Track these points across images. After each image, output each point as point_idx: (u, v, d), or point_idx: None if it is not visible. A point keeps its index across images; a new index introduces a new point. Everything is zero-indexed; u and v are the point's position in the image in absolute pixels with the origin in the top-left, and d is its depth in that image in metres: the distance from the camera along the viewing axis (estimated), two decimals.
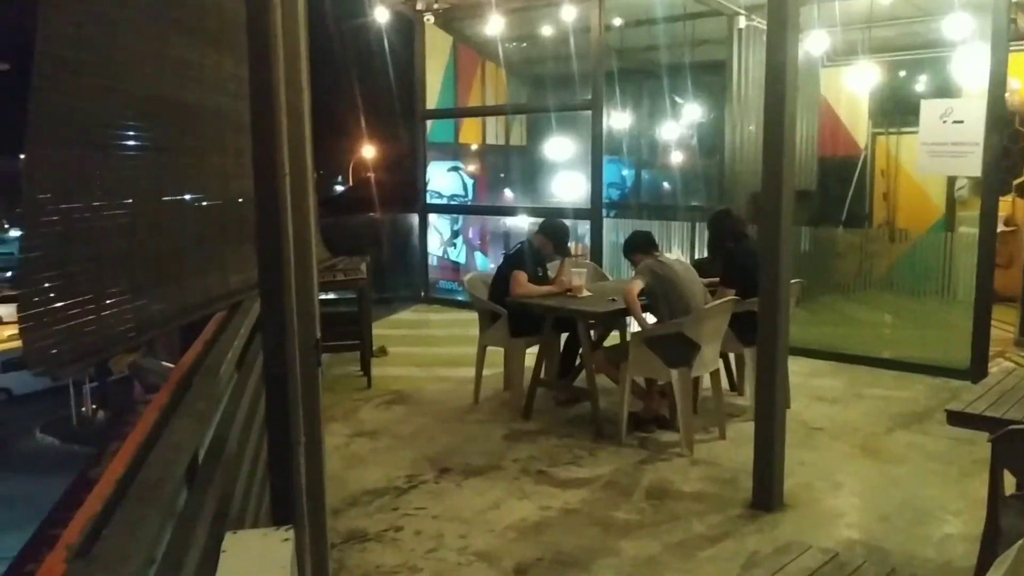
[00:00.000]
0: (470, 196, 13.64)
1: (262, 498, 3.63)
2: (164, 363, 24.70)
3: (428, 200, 11.35)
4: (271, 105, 2.37)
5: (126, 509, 1.70)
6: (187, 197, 3.44)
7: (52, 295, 2.51)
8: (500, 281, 6.57)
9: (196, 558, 2.20)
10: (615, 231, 9.56)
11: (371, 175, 26.07)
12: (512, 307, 6.34)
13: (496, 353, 6.82)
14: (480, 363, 6.70)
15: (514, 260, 6.57)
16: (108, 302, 2.92)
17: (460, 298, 10.82)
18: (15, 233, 59.46)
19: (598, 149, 9.22)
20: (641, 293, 5.74)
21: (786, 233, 4.48)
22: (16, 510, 18.83)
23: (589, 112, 9.23)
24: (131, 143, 2.74)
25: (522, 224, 10.60)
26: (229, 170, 3.93)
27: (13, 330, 38.14)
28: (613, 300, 6.06)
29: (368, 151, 26.74)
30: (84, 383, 24.55)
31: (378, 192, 21.78)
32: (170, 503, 1.82)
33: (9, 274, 50.85)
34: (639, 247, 6.05)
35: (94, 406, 24.93)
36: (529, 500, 4.87)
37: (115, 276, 2.89)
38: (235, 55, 3.89)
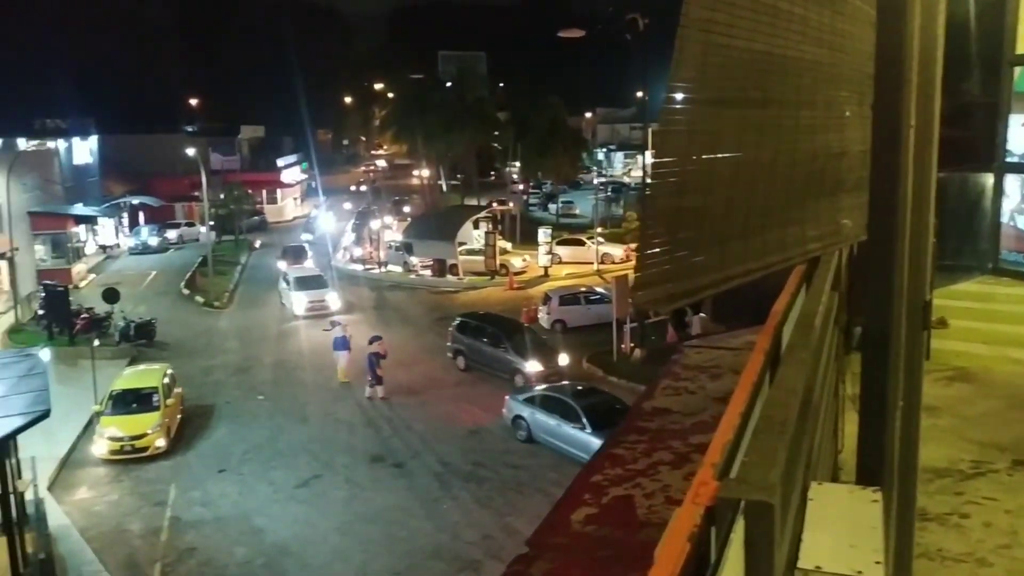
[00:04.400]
0: None
1: (823, 454, 3.62)
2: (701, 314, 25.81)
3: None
4: (899, 55, 2.27)
5: (758, 440, 1.78)
6: (779, 151, 3.51)
7: (658, 243, 2.75)
8: None
9: (797, 500, 2.27)
10: None
11: None
12: None
13: None
14: None
15: None
16: (699, 252, 3.12)
17: None
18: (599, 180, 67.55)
19: None
20: None
21: None
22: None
23: None
24: (743, 98, 2.86)
25: None
26: (817, 123, 3.91)
27: (570, 269, 43.28)
28: None
29: None
30: (626, 323, 26.92)
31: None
32: (796, 441, 1.88)
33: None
34: None
35: (632, 344, 27.22)
36: None
37: (710, 228, 3.07)
38: (833, 7, 3.84)
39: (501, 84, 77.69)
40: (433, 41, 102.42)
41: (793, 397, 2.07)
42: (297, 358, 29.63)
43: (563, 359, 25.61)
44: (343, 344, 26.68)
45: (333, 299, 35.63)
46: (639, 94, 56.45)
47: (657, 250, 2.57)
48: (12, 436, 12.85)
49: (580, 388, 22.25)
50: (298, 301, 35.10)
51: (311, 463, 20.29)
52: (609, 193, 62.72)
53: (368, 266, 47.00)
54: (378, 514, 17.66)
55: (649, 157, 35.69)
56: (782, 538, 1.84)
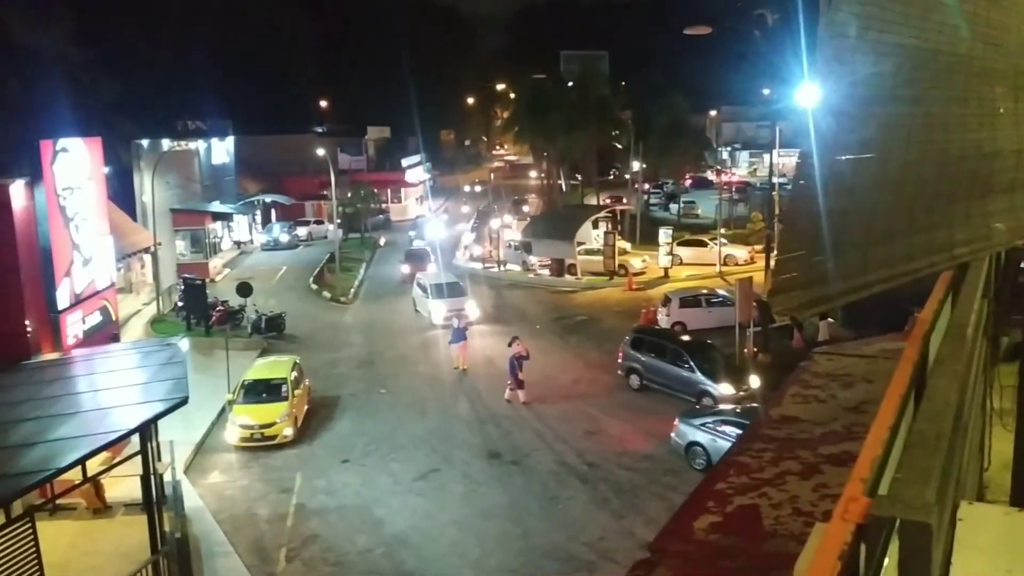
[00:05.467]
0: None
1: (970, 471, 3.42)
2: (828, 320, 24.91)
3: None
4: None
5: (910, 456, 1.70)
6: (927, 151, 3.33)
7: (798, 247, 2.65)
8: None
9: (947, 520, 2.14)
10: None
11: None
12: None
13: None
14: None
15: None
16: (840, 256, 2.99)
17: None
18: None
19: None
20: None
21: None
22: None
23: None
24: (891, 96, 2.72)
25: None
26: (968, 121, 3.68)
27: (691, 270, 42.62)
28: None
29: None
30: (749, 327, 26.25)
31: None
32: (948, 458, 1.78)
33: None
34: None
35: (755, 349, 26.54)
36: None
37: (852, 232, 2.94)
38: None
39: (623, 83, 77.25)
40: (556, 41, 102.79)
41: (947, 411, 1.96)
42: (418, 353, 30.27)
43: (755, 380, 23.15)
44: (460, 336, 27.70)
45: (472, 308, 34.01)
46: (766, 91, 54.98)
47: (796, 254, 2.48)
48: (154, 420, 13.62)
49: None
50: (436, 310, 33.49)
51: (430, 457, 20.69)
52: (733, 193, 61.48)
53: (487, 265, 47.57)
54: (494, 510, 17.84)
55: (776, 156, 34.75)
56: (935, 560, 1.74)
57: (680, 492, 17.79)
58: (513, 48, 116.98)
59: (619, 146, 64.70)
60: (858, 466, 1.71)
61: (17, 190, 17.02)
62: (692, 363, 24.07)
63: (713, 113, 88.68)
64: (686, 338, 26.52)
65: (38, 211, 17.66)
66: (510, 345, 24.76)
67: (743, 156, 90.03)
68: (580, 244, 44.36)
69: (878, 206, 2.65)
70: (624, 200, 57.46)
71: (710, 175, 66.14)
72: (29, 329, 17.15)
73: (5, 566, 10.87)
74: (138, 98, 44.62)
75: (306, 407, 23.50)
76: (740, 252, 44.48)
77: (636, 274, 41.89)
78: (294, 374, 23.30)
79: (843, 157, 2.41)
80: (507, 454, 20.76)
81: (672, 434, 20.16)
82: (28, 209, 17.35)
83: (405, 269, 42.96)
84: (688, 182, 72.44)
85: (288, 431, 21.56)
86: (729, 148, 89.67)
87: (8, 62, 30.60)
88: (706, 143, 66.97)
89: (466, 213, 66.43)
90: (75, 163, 19.41)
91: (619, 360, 26.07)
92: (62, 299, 18.30)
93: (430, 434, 22.24)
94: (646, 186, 61.57)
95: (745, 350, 26.43)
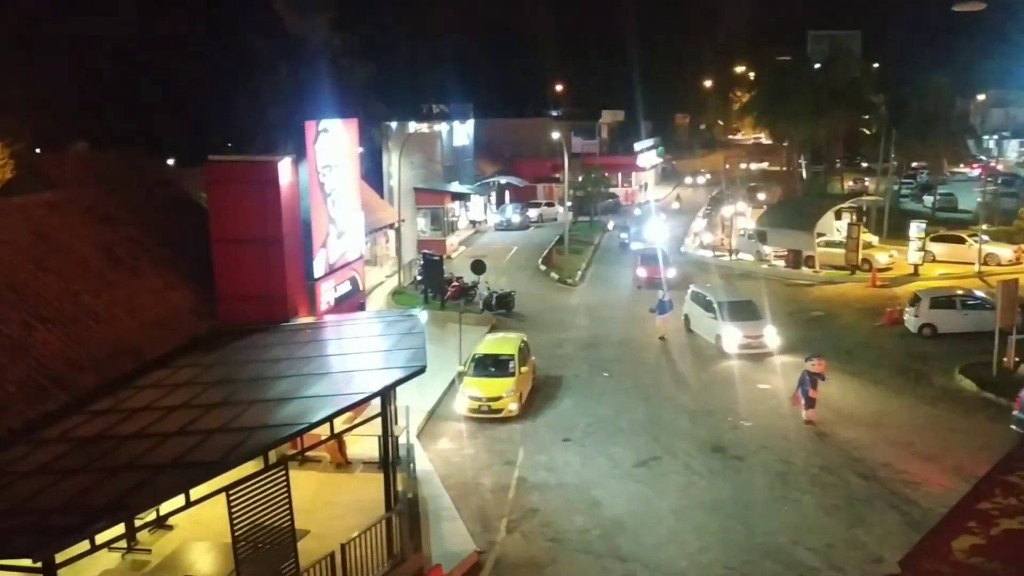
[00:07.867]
0: None
1: None
2: None
3: None
4: None
5: None
6: None
7: None
8: None
9: None
10: None
11: None
12: None
13: None
14: None
15: None
16: None
17: None
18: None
19: None
20: None
21: None
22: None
23: None
24: None
25: None
26: None
27: (945, 268, 39.25)
28: None
29: None
30: (1011, 333, 23.79)
31: None
32: None
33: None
34: None
35: (1016, 359, 24.02)
36: None
37: None
38: None
39: (876, 64, 72.23)
40: (802, 20, 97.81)
41: None
42: (643, 339, 30.06)
43: None
44: (665, 308, 29.76)
45: (771, 335, 27.78)
46: None
47: None
48: (395, 386, 14.43)
49: None
50: (730, 336, 27.67)
51: (650, 444, 20.50)
52: (999, 185, 55.71)
53: (718, 253, 46.36)
54: (715, 505, 17.39)
55: None
56: None
57: (924, 509, 16.53)
58: (756, 28, 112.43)
59: (868, 132, 60.66)
60: None
61: (284, 167, 18.56)
62: None
63: (981, 97, 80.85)
64: None
65: (301, 186, 19.20)
66: (807, 360, 22.37)
67: (1012, 145, 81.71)
68: (820, 235, 42.12)
69: None
70: (868, 186, 53.71)
71: (992, 164, 60.32)
72: (289, 294, 18.72)
73: (264, 504, 11.98)
74: (389, 82, 47.29)
75: (531, 384, 24.05)
76: (1004, 251, 40.37)
77: (881, 270, 39.23)
78: (521, 351, 23.89)
79: None
80: (731, 449, 20.16)
81: None
82: (293, 185, 18.88)
83: (641, 273, 39.12)
84: (978, 171, 66.20)
85: (513, 406, 22.18)
86: (996, 136, 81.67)
87: (279, 48, 33.36)
88: (970, 130, 61.06)
89: (678, 209, 63.94)
90: (334, 143, 20.88)
91: (1015, 412, 20.20)
92: (318, 268, 19.81)
93: (652, 422, 22.05)
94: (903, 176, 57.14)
95: (1005, 359, 23.99)
